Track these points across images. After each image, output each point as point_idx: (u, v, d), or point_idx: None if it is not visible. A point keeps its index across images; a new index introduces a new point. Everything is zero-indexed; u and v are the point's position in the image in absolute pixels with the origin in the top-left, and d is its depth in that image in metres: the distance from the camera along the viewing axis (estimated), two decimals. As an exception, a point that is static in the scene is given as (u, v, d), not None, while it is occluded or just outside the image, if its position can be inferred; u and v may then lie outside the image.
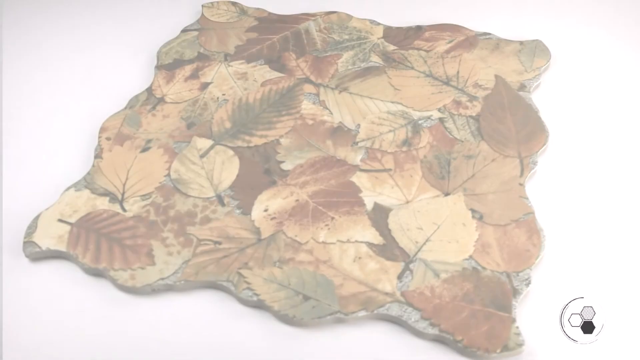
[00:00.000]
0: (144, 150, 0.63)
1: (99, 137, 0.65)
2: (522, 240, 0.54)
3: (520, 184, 0.58)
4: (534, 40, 0.73)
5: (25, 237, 0.57)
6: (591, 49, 0.74)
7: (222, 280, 0.53)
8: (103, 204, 0.59)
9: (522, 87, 0.67)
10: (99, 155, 0.63)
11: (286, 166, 0.61)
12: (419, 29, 0.75)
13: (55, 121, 0.69)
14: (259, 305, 0.52)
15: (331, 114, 0.65)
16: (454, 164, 0.59)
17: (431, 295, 0.51)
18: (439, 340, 0.49)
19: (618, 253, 0.55)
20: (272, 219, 0.56)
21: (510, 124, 0.63)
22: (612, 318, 0.50)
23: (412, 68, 0.70)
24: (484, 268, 0.52)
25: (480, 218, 0.55)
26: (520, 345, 0.47)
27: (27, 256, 0.56)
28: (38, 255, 0.56)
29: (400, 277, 0.52)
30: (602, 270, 0.53)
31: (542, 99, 0.67)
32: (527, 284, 0.51)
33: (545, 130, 0.62)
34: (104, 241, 0.56)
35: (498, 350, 0.47)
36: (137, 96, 0.69)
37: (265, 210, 0.57)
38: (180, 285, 0.53)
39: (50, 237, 0.56)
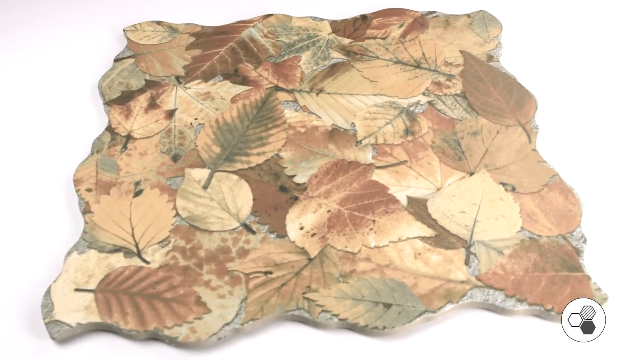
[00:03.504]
0: (137, 194, 0.58)
1: (77, 190, 0.58)
2: (561, 202, 0.55)
3: (533, 150, 0.60)
4: (479, 11, 0.75)
5: (45, 318, 0.50)
6: (532, 8, 0.78)
7: (293, 310, 0.50)
8: (119, 261, 0.53)
9: (490, 58, 0.69)
10: (87, 210, 0.56)
11: (300, 179, 0.58)
12: (364, 18, 0.75)
13: (16, 179, 0.61)
14: (341, 325, 0.50)
15: (319, 117, 0.63)
16: (464, 143, 0.60)
17: (505, 273, 0.51)
18: (528, 313, 0.50)
19: None
20: (312, 235, 0.54)
21: (497, 95, 0.65)
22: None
23: (377, 57, 0.69)
24: (539, 236, 0.53)
25: (513, 189, 0.57)
26: (605, 299, 0.49)
27: (53, 338, 0.50)
28: (67, 334, 0.50)
29: (467, 262, 0.52)
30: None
31: (508, 65, 0.69)
32: (584, 241, 0.53)
33: (532, 94, 0.65)
34: (141, 300, 0.50)
35: (588, 309, 0.49)
36: (99, 138, 0.63)
37: (302, 229, 0.54)
38: (249, 326, 0.49)
39: (75, 310, 0.50)
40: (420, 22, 0.74)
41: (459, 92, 0.65)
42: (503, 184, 0.57)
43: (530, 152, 0.59)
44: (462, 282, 0.51)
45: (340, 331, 0.50)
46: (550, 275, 0.51)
